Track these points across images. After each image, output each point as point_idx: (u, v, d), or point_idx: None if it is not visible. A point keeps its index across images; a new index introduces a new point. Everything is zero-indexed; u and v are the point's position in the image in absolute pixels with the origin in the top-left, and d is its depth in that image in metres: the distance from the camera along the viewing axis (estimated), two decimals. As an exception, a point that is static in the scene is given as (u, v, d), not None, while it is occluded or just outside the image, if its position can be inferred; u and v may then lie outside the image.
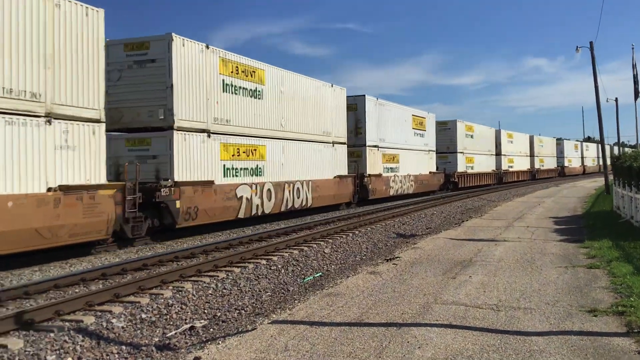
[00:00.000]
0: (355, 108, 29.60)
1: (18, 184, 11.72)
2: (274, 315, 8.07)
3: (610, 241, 13.61)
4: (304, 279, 11.58)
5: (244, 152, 19.72)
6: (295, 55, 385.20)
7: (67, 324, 7.77)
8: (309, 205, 23.75)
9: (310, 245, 15.05)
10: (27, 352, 6.77)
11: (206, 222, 17.81)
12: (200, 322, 8.35)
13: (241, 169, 19.50)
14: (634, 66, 31.93)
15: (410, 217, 22.73)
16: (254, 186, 19.97)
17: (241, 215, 19.23)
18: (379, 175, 30.97)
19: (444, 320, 7.31)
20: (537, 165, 66.31)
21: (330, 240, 15.88)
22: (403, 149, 34.40)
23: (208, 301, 9.51)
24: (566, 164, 78.96)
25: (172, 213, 16.22)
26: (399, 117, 34.23)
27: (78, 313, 8.33)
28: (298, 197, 22.88)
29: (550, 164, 72.87)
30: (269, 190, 20.87)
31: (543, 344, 6.30)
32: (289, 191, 22.20)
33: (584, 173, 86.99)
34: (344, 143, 27.53)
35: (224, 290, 10.18)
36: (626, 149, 49.07)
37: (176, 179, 16.39)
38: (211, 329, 8.12)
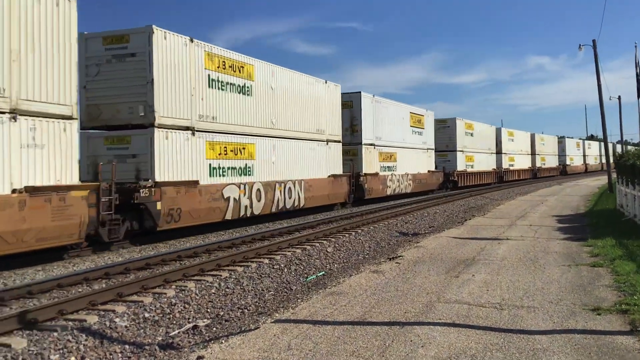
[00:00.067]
0: (351, 105, 28.94)
1: None
2: (277, 314, 8.09)
3: (614, 239, 13.58)
4: (307, 278, 11.57)
5: (231, 151, 19.04)
6: (296, 54, 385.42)
7: (70, 323, 7.79)
8: (301, 205, 23.12)
9: (313, 244, 15.04)
10: (30, 352, 6.78)
11: (190, 224, 17.13)
12: (204, 321, 8.35)
13: (229, 168, 18.85)
14: (637, 64, 31.70)
15: (412, 215, 22.71)
16: (242, 186, 19.34)
17: (228, 216, 18.58)
18: (376, 174, 30.45)
19: (447, 319, 7.30)
20: (538, 164, 66.14)
21: (333, 239, 15.87)
22: (400, 147, 33.84)
23: (211, 300, 9.51)
24: (568, 162, 78.76)
25: (153, 215, 15.48)
26: (396, 115, 33.67)
27: (81, 312, 8.36)
28: (290, 198, 22.27)
29: (552, 162, 72.70)
30: (258, 190, 20.23)
31: (546, 343, 6.29)
32: (280, 191, 21.60)
33: (586, 171, 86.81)
34: (339, 141, 26.96)
35: (227, 290, 10.18)
36: (629, 147, 49.03)
37: (157, 179, 15.74)
38: (214, 328, 8.12)
